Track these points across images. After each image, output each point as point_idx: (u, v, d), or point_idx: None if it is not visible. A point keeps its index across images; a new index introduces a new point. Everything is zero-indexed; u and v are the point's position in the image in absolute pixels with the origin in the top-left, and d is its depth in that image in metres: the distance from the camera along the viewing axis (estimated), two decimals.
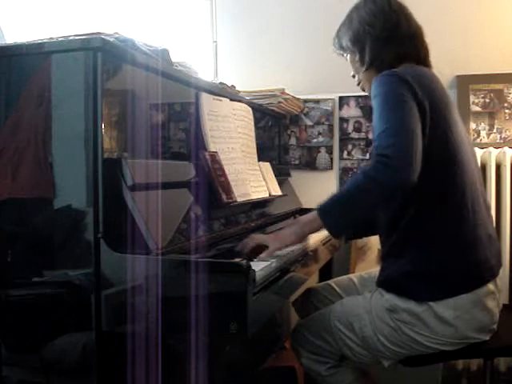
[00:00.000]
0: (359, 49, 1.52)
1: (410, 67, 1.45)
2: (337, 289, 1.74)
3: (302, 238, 1.40)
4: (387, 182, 1.22)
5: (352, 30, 1.52)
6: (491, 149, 2.29)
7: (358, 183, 1.26)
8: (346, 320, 1.47)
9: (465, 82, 2.43)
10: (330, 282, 1.80)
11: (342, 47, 1.58)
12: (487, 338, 1.40)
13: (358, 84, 1.60)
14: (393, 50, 1.48)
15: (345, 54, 1.59)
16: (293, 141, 2.68)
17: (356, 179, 1.27)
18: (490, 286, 1.38)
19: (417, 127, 1.27)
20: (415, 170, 1.21)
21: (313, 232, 1.39)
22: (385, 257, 1.47)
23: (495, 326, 1.42)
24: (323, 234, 1.80)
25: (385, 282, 1.44)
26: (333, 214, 1.30)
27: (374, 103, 1.36)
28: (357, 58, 1.53)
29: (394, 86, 1.34)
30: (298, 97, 2.54)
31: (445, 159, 1.36)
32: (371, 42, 1.49)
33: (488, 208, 1.48)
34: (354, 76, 1.60)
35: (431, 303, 1.35)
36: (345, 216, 1.30)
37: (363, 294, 1.55)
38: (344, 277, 1.81)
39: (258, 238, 1.40)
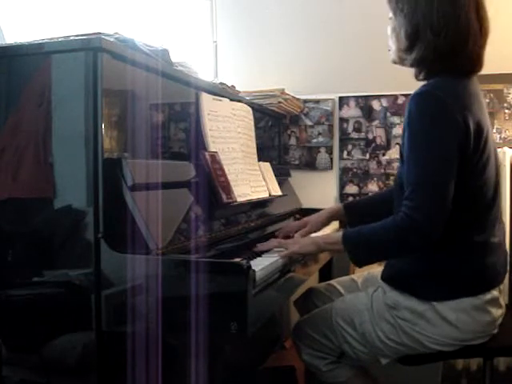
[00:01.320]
0: (409, 44, 1.35)
1: (452, 84, 1.32)
2: (339, 288, 1.73)
3: (320, 251, 1.49)
4: (414, 242, 1.28)
5: (412, 21, 1.33)
6: None
7: (386, 233, 1.31)
8: (347, 316, 1.47)
9: None
10: (332, 281, 1.80)
11: (394, 15, 1.38)
12: (484, 340, 1.41)
13: (389, 50, 1.44)
14: (445, 65, 1.33)
15: (391, 17, 1.40)
16: (293, 141, 2.68)
17: (386, 228, 1.31)
18: (495, 292, 1.38)
19: (451, 181, 1.26)
20: (440, 231, 1.26)
21: (331, 251, 1.53)
22: None
23: (495, 332, 1.41)
24: (322, 234, 1.81)
25: (390, 278, 1.44)
26: (355, 246, 1.36)
27: (411, 134, 1.28)
28: (401, 46, 1.37)
29: (438, 127, 1.26)
30: (297, 97, 2.55)
31: (474, 171, 1.32)
32: (425, 49, 1.32)
33: (500, 215, 1.45)
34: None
35: (434, 303, 1.35)
36: (366, 251, 1.36)
37: (365, 290, 1.55)
38: (346, 277, 1.81)
39: (278, 240, 1.49)
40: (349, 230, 1.39)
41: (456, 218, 1.28)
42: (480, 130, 1.30)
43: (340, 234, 1.39)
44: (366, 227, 1.35)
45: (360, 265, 1.39)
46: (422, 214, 1.25)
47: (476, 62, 1.36)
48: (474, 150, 1.29)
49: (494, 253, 1.39)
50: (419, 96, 1.29)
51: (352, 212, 1.71)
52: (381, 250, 1.35)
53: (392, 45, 1.43)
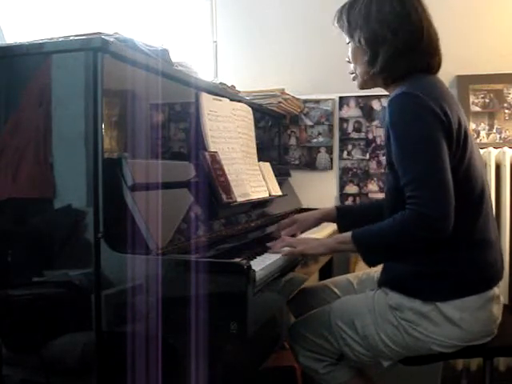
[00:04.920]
0: (372, 52, 1.40)
1: (426, 83, 1.36)
2: (334, 289, 1.71)
3: (330, 252, 1.51)
4: (427, 238, 1.28)
5: (369, 29, 1.39)
6: (491, 149, 2.29)
7: (397, 231, 1.30)
8: (348, 318, 1.45)
9: (465, 82, 2.43)
10: (327, 281, 1.78)
11: (351, 36, 1.44)
12: (486, 340, 1.41)
13: (352, 73, 1.50)
14: (409, 62, 1.38)
15: (349, 41, 1.47)
16: (293, 141, 2.68)
17: (396, 226, 1.30)
18: (496, 289, 1.39)
19: (448, 170, 1.27)
20: (452, 223, 1.26)
21: (342, 251, 1.53)
22: None
23: (496, 330, 1.41)
24: (322, 234, 1.81)
25: (390, 282, 1.43)
26: (367, 244, 1.36)
27: (398, 136, 1.30)
28: (365, 58, 1.42)
29: (422, 122, 1.28)
30: (297, 97, 2.54)
31: (460, 165, 1.34)
32: (388, 50, 1.37)
33: (492, 212, 1.46)
34: (349, 62, 1.50)
35: (438, 303, 1.34)
36: (378, 251, 1.36)
37: (365, 292, 1.54)
38: (341, 277, 1.79)
39: (288, 240, 1.48)
40: (357, 231, 1.37)
41: None
42: (460, 121, 1.33)
43: (349, 234, 1.37)
44: (374, 227, 1.35)
45: (372, 264, 1.39)
46: (430, 209, 1.25)
47: (435, 56, 1.42)
48: (457, 142, 1.31)
49: (493, 249, 1.39)
50: (398, 97, 1.32)
51: (344, 215, 1.69)
52: (394, 249, 1.34)
53: (356, 66, 1.48)
